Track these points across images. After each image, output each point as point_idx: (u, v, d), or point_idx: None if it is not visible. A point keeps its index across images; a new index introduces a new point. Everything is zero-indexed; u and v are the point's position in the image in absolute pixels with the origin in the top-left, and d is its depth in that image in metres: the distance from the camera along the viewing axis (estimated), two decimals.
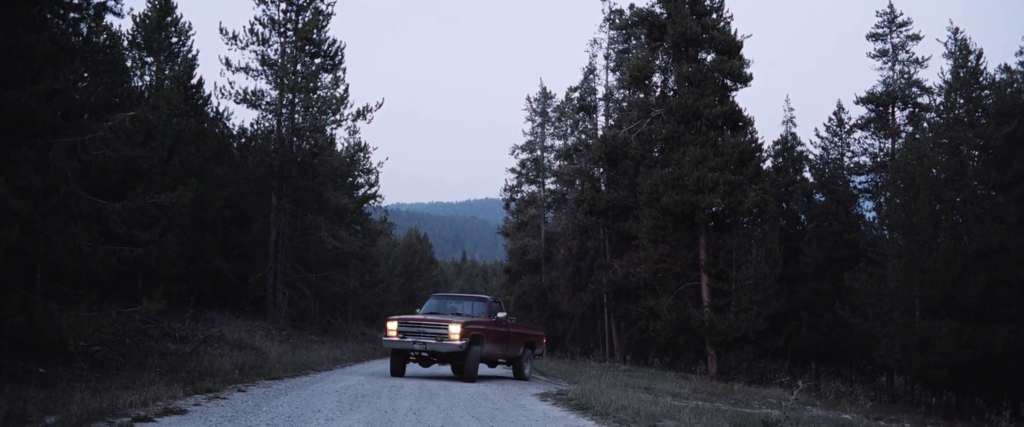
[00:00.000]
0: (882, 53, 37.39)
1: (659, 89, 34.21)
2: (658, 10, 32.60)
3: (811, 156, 40.38)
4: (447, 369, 20.15)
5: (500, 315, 18.64)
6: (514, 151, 48.31)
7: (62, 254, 12.42)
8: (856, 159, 38.90)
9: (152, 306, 16.63)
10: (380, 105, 31.24)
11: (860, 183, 38.86)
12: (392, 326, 17.51)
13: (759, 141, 30.66)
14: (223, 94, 30.13)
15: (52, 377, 11.60)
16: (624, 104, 39.50)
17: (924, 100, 36.11)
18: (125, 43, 26.65)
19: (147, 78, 27.88)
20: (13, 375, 10.92)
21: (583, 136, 42.33)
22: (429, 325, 17.24)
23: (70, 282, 13.82)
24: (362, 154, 37.96)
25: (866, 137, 38.50)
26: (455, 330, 16.86)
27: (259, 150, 30.34)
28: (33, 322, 12.47)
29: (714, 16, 31.36)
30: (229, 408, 10.69)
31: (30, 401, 9.45)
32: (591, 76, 42.25)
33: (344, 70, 31.08)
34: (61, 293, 13.74)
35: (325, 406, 11.42)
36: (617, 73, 40.34)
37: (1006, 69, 30.80)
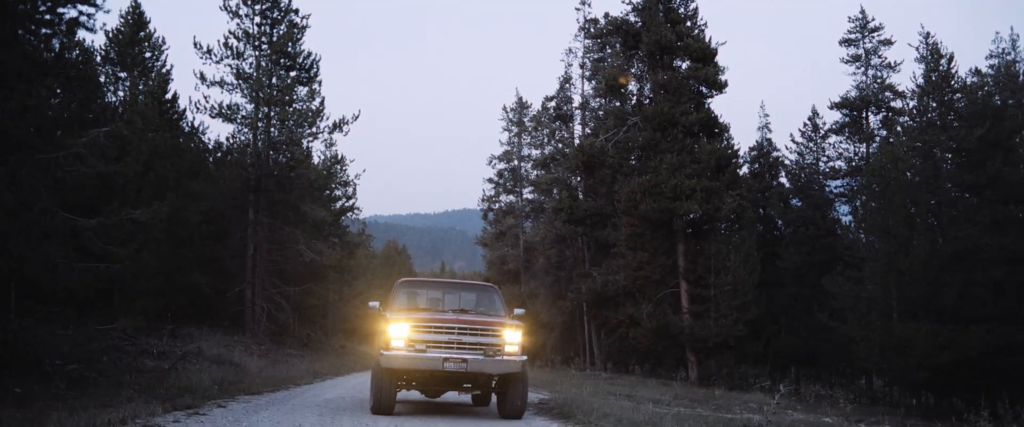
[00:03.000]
0: (855, 58, 37.76)
1: (635, 97, 34.34)
2: (633, 19, 32.73)
3: (787, 161, 40.66)
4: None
5: (518, 312, 13.08)
6: (491, 161, 48.44)
7: (37, 271, 12.30)
8: (831, 164, 39.22)
9: (129, 323, 16.57)
10: (356, 117, 31.20)
11: (836, 187, 39.17)
12: (400, 330, 11.25)
13: (735, 147, 30.84)
14: (198, 108, 30.04)
15: (28, 396, 11.46)
16: (600, 112, 39.63)
17: (897, 104, 36.48)
18: (98, 58, 26.55)
19: (121, 93, 27.77)
20: None
21: (560, 145, 42.46)
22: (471, 329, 11.42)
23: (45, 300, 13.70)
24: (339, 167, 37.99)
25: (841, 142, 38.86)
26: (514, 339, 11.57)
27: (235, 164, 30.22)
28: (8, 340, 12.35)
29: (688, 24, 31.52)
30: (209, 424, 10.60)
31: (6, 421, 9.33)
32: (567, 85, 42.43)
33: (320, 83, 31.05)
34: (36, 311, 13.62)
35: (306, 420, 11.35)
36: (593, 82, 40.48)
37: (977, 72, 31.16)
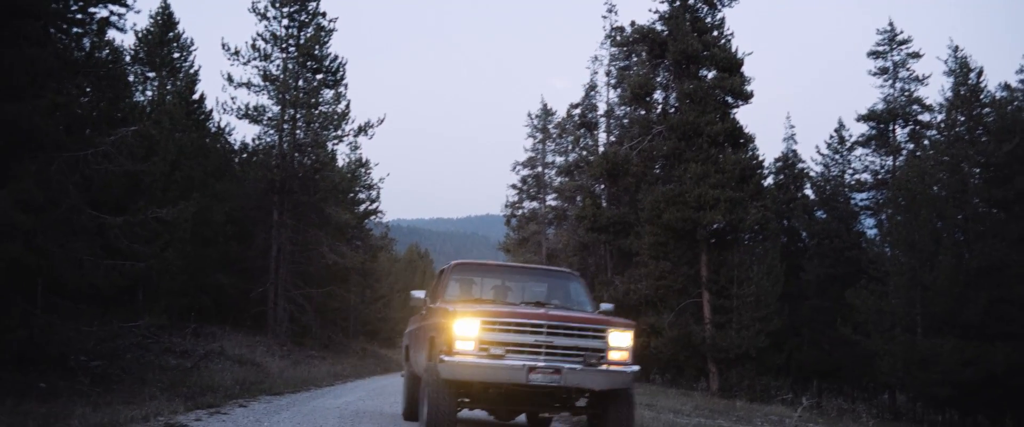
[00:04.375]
0: (883, 71, 37.48)
1: (660, 106, 34.26)
2: (659, 27, 32.67)
3: (812, 173, 40.41)
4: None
5: (606, 307, 10.12)
6: (515, 167, 48.40)
7: (63, 268, 12.39)
8: (857, 176, 38.93)
9: (153, 321, 16.68)
10: (382, 121, 31.30)
11: (861, 200, 38.90)
12: (467, 328, 8.43)
13: (760, 158, 30.68)
14: (225, 109, 30.23)
15: (53, 392, 11.56)
16: (625, 121, 39.56)
17: (925, 118, 36.19)
18: (128, 58, 26.76)
19: (149, 93, 27.95)
20: (14, 389, 10.88)
21: (584, 152, 42.38)
22: (566, 328, 8.63)
23: (71, 296, 13.78)
24: (363, 170, 38.05)
25: (867, 154, 38.58)
26: (623, 343, 8.81)
27: (260, 165, 30.38)
28: (34, 336, 12.44)
29: (715, 33, 31.42)
30: (230, 423, 10.65)
31: (31, 416, 9.41)
32: (592, 93, 42.35)
33: (346, 86, 31.18)
34: (62, 307, 13.70)
35: (326, 422, 11.38)
36: (618, 90, 40.41)
37: (1006, 87, 30.88)
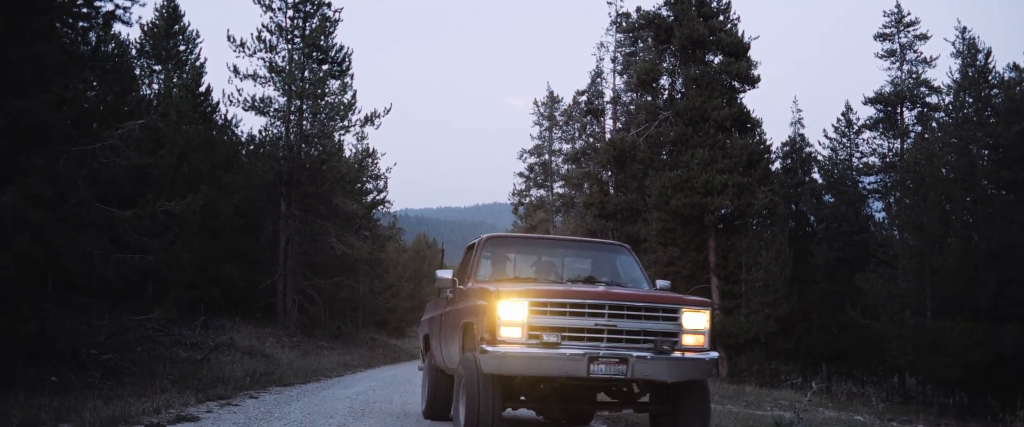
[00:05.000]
0: (890, 53, 37.35)
1: (667, 92, 34.19)
2: (665, 13, 32.58)
3: (820, 157, 40.30)
4: None
5: (662, 284, 8.86)
6: (522, 155, 48.46)
7: (73, 262, 12.44)
8: (865, 160, 38.84)
9: (163, 313, 16.73)
10: (388, 111, 31.31)
11: (869, 184, 38.80)
12: (514, 310, 7.07)
13: (767, 143, 30.59)
14: (231, 101, 30.26)
15: (64, 385, 11.61)
16: (632, 107, 39.48)
17: (933, 100, 36.06)
18: (134, 51, 26.80)
19: (156, 86, 28.02)
20: (26, 383, 10.94)
21: (591, 139, 42.35)
22: (632, 309, 7.29)
23: (81, 290, 13.85)
24: (370, 160, 38.04)
25: (875, 137, 38.48)
26: (699, 324, 7.48)
27: (268, 157, 30.43)
28: (45, 330, 12.51)
29: (721, 18, 31.33)
30: (241, 415, 10.69)
31: (43, 409, 9.46)
32: (598, 79, 42.28)
33: (352, 76, 31.24)
34: (72, 301, 13.78)
35: (337, 412, 11.41)
36: (624, 76, 40.33)
37: (1015, 68, 30.69)
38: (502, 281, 8.23)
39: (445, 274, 8.98)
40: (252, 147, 32.05)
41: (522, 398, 8.02)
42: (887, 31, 37.44)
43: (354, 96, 30.79)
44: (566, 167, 45.62)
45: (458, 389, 7.85)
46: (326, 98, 30.56)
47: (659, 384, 7.62)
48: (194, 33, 30.32)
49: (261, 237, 30.05)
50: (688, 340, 7.37)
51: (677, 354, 7.28)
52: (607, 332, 7.11)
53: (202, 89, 28.46)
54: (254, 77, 29.82)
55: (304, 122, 30.73)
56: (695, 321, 7.44)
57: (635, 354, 7.07)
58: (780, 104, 48.14)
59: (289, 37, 30.26)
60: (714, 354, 7.61)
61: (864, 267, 28.41)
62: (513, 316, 7.01)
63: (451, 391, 8.87)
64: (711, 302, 8.16)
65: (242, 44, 29.50)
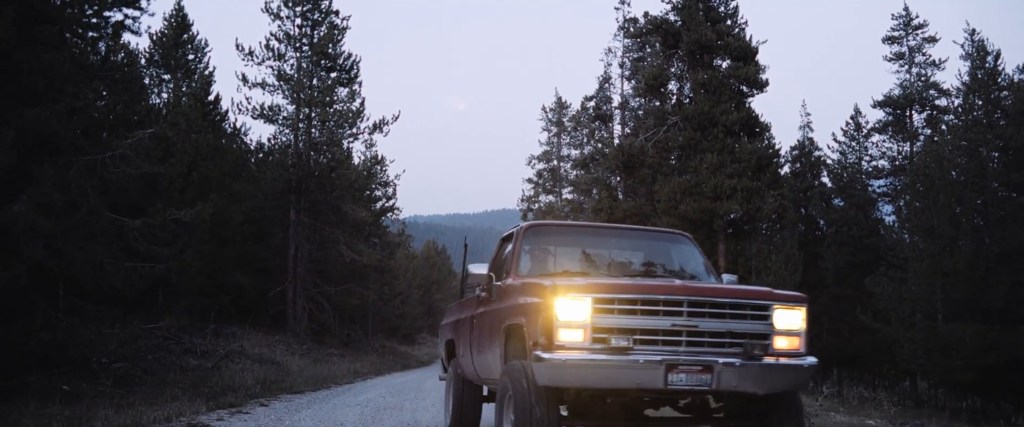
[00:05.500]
0: (899, 56, 37.27)
1: (675, 97, 34.16)
2: (672, 18, 32.57)
3: (829, 161, 40.17)
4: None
5: (729, 278, 7.76)
6: (531, 161, 48.50)
7: (84, 271, 12.49)
8: (874, 163, 38.72)
9: (173, 322, 16.79)
10: (396, 118, 31.40)
11: (879, 187, 38.67)
12: (573, 310, 5.83)
13: (776, 147, 30.51)
14: (240, 110, 30.38)
15: (76, 394, 11.65)
16: (640, 112, 39.44)
17: (942, 102, 35.94)
18: (143, 61, 26.90)
19: (165, 95, 28.10)
20: (38, 392, 10.98)
21: (599, 145, 42.31)
22: (715, 306, 6.11)
23: (92, 299, 13.90)
24: (379, 167, 38.13)
25: (884, 141, 38.37)
26: (793, 324, 6.40)
27: (277, 165, 30.52)
28: (57, 339, 12.55)
29: (729, 22, 31.31)
30: (252, 422, 10.70)
31: (55, 418, 9.49)
32: (606, 85, 42.28)
33: (360, 83, 31.31)
34: (83, 310, 13.82)
35: (347, 419, 11.42)
36: (632, 81, 40.32)
37: None
38: (554, 275, 7.06)
39: (479, 269, 7.62)
40: (261, 155, 32.14)
41: (564, 412, 6.43)
42: (896, 34, 37.39)
43: (362, 103, 30.91)
44: (575, 173, 45.61)
45: (503, 405, 6.58)
46: (334, 106, 30.65)
47: (746, 396, 6.27)
48: (203, 42, 30.42)
49: (271, 245, 30.11)
50: (781, 343, 6.21)
51: (770, 360, 6.11)
52: (686, 334, 5.92)
53: (211, 98, 28.54)
54: (263, 85, 29.93)
55: (313, 130, 30.81)
56: (789, 320, 6.32)
57: (721, 361, 5.87)
58: (789, 108, 48.00)
59: (297, 45, 30.36)
60: (812, 360, 6.37)
61: (874, 271, 28.29)
62: (574, 316, 5.78)
63: (480, 405, 8.41)
64: (806, 297, 6.55)
65: (251, 53, 29.61)
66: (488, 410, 8.28)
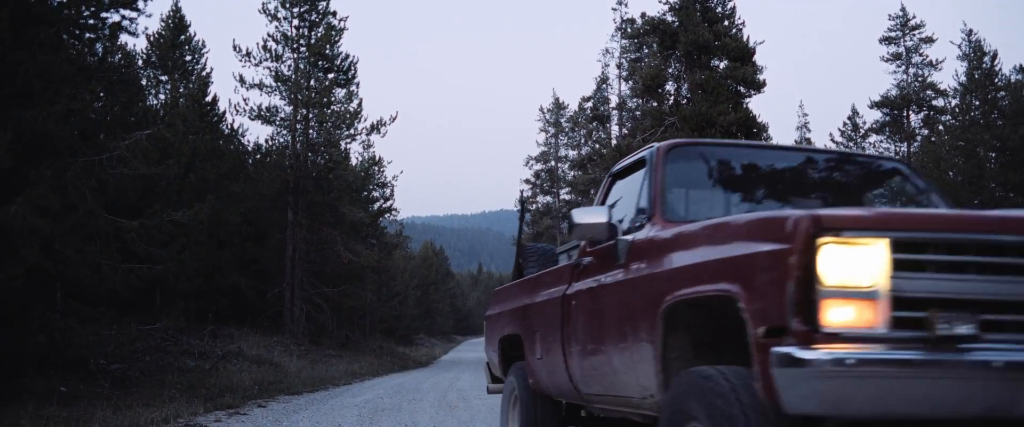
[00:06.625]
0: (896, 56, 37.31)
1: (672, 97, 34.17)
2: (670, 18, 32.57)
3: None
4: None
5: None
6: (528, 162, 48.47)
7: (81, 273, 12.49)
8: None
9: (171, 323, 16.78)
10: (394, 119, 31.34)
11: None
12: (858, 264, 2.58)
13: None
14: (237, 111, 30.35)
15: (74, 395, 11.64)
16: (637, 113, 39.44)
17: (939, 103, 35.98)
18: (140, 62, 26.82)
19: (162, 97, 28.05)
20: (35, 394, 10.97)
21: (597, 146, 42.32)
22: None
23: (90, 300, 13.90)
24: (377, 168, 38.05)
25: (881, 141, 38.39)
26: None
27: (274, 166, 30.46)
28: (54, 341, 12.54)
29: (726, 23, 31.34)
30: (250, 424, 10.70)
31: (53, 419, 9.49)
32: (604, 86, 42.31)
33: (357, 84, 31.24)
34: (81, 311, 13.81)
35: (345, 420, 11.41)
36: (629, 82, 40.33)
37: (1021, 70, 30.66)
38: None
39: (595, 215, 4.44)
40: (259, 156, 32.08)
41: None
42: (892, 34, 37.43)
43: (360, 104, 30.86)
44: (572, 173, 45.59)
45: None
46: (332, 106, 30.60)
47: None
48: (200, 43, 30.40)
49: (268, 246, 30.06)
50: None
51: None
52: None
53: (208, 99, 28.50)
54: (260, 86, 29.87)
55: (310, 131, 30.76)
56: None
57: None
58: (786, 109, 48.10)
59: (295, 46, 30.31)
60: None
61: None
62: (859, 276, 2.68)
63: None
64: None
65: (248, 54, 29.56)
66: None
